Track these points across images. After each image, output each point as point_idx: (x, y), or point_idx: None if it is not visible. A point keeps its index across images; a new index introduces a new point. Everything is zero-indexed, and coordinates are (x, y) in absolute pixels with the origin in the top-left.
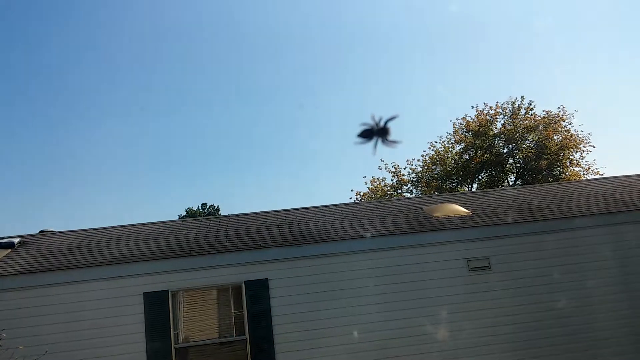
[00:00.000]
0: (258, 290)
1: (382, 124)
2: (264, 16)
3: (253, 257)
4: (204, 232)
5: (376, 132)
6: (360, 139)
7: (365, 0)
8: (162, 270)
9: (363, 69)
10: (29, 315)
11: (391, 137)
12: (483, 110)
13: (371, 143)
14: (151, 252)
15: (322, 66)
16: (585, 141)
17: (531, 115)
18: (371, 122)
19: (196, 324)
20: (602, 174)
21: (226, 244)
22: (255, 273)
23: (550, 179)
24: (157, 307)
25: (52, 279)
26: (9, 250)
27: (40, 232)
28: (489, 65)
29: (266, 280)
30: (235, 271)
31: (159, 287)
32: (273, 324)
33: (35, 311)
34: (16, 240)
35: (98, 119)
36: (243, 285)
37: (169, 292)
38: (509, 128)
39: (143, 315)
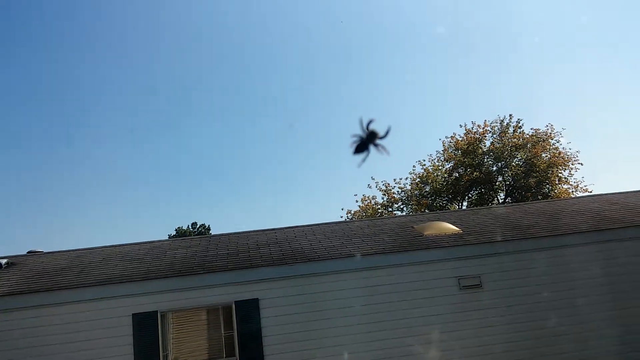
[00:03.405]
0: (248, 311)
1: (370, 127)
2: (253, 35)
3: (243, 276)
4: (194, 252)
5: (367, 139)
6: (356, 154)
7: (357, 22)
8: (151, 290)
9: (354, 86)
10: (17, 337)
11: (381, 138)
12: (472, 128)
13: (366, 153)
14: (140, 272)
15: (314, 84)
16: (573, 159)
17: (519, 133)
18: (360, 131)
19: (186, 345)
20: (590, 192)
21: (216, 263)
22: (245, 293)
23: (539, 197)
24: (146, 328)
25: (40, 301)
26: None
27: (28, 252)
28: (477, 83)
29: (257, 300)
30: (225, 291)
31: (148, 308)
32: (264, 344)
33: (23, 333)
34: (4, 261)
35: (87, 139)
36: (233, 306)
37: (158, 313)
38: (497, 146)
39: (132, 337)
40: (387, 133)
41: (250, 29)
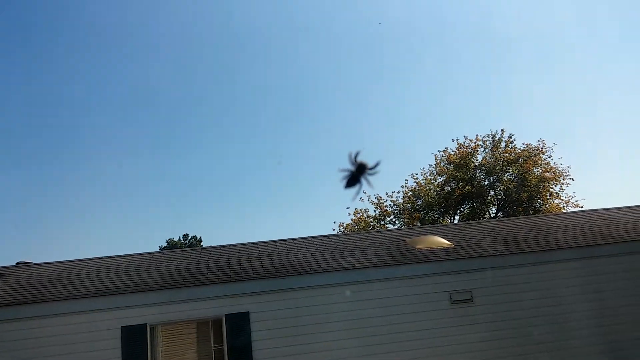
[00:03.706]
0: (239, 324)
1: (359, 160)
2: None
3: (234, 289)
4: (185, 264)
5: (357, 172)
6: (348, 188)
7: (352, 33)
8: (140, 303)
9: (346, 100)
10: (3, 350)
11: (371, 169)
12: (463, 143)
13: (358, 187)
14: (130, 284)
15: (304, 100)
16: (564, 174)
17: (511, 148)
18: (350, 165)
19: (175, 358)
20: (581, 207)
21: (207, 276)
22: (236, 306)
23: (530, 212)
24: (135, 341)
25: (29, 312)
26: None
27: (17, 263)
28: (467, 98)
29: (247, 313)
30: (216, 304)
31: (137, 321)
32: (254, 358)
33: (12, 345)
34: None
35: (79, 152)
36: (224, 319)
37: (148, 326)
38: (489, 160)
39: (120, 350)
40: (376, 165)
41: (242, 56)
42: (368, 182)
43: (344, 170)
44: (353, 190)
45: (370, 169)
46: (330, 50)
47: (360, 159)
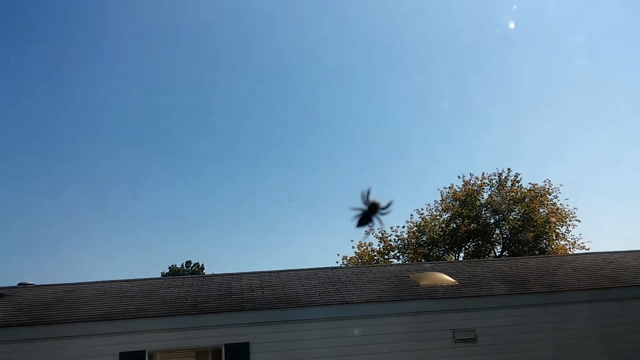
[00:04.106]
0: (239, 355)
1: (370, 199)
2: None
3: (235, 319)
4: (187, 292)
5: (370, 212)
6: (360, 227)
7: (351, 66)
8: (140, 329)
9: (352, 135)
10: None
11: (383, 209)
12: (469, 180)
13: (369, 226)
14: (130, 310)
15: (310, 123)
16: (570, 215)
17: (517, 187)
18: (362, 204)
19: None
20: (587, 249)
21: (208, 304)
22: (236, 336)
23: (536, 252)
24: None
25: (29, 334)
26: None
27: (19, 284)
28: (474, 140)
29: (247, 344)
30: (216, 333)
31: (136, 347)
32: None
33: None
34: None
35: (80, 173)
36: (223, 349)
37: (146, 353)
38: (496, 199)
39: None
40: (388, 205)
41: (252, 92)
42: (380, 221)
43: (356, 209)
44: (364, 228)
45: (383, 208)
46: (341, 88)
47: (372, 198)
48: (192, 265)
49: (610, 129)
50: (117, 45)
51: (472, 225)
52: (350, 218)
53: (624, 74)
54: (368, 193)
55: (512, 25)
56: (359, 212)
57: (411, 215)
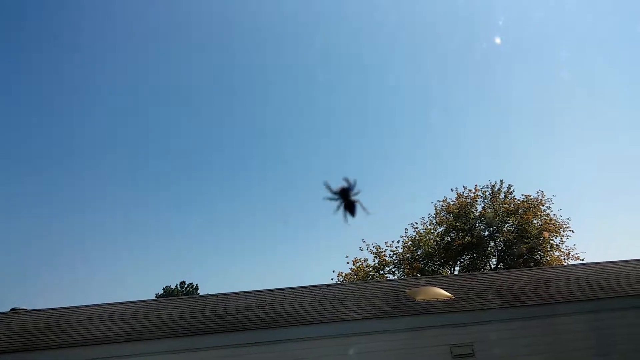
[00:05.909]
0: None
1: (336, 188)
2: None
3: (231, 339)
4: (182, 313)
5: (343, 197)
6: (347, 214)
7: (340, 79)
8: (135, 353)
9: (342, 150)
10: None
11: (351, 189)
12: (462, 193)
13: (340, 205)
14: (124, 333)
15: (302, 135)
16: (564, 226)
17: (510, 199)
18: (332, 195)
19: None
20: (582, 260)
21: (204, 325)
22: (233, 357)
23: (531, 264)
24: None
25: None
26: None
27: (11, 310)
28: (467, 149)
29: None
30: (213, 355)
31: None
32: None
33: None
34: None
35: (75, 194)
36: None
37: None
38: (489, 211)
39: None
40: (354, 185)
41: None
42: (362, 206)
43: (330, 199)
44: (351, 217)
45: (351, 189)
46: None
47: (339, 186)
48: (186, 285)
49: (601, 137)
50: None
51: (467, 238)
52: (331, 212)
53: (614, 84)
54: (330, 186)
55: (498, 40)
56: (336, 203)
57: (406, 229)
